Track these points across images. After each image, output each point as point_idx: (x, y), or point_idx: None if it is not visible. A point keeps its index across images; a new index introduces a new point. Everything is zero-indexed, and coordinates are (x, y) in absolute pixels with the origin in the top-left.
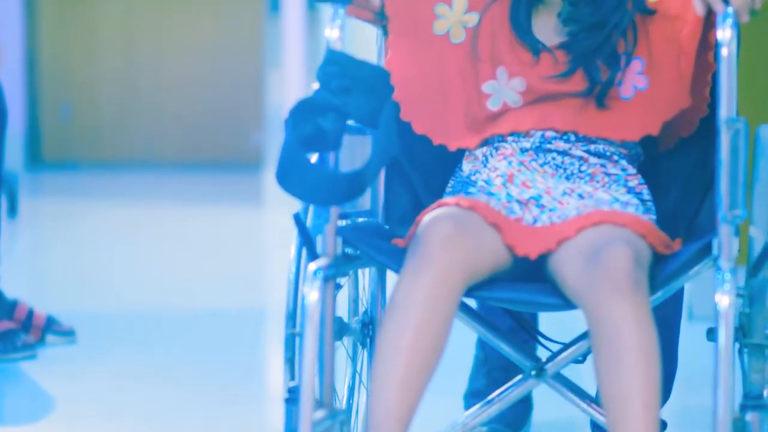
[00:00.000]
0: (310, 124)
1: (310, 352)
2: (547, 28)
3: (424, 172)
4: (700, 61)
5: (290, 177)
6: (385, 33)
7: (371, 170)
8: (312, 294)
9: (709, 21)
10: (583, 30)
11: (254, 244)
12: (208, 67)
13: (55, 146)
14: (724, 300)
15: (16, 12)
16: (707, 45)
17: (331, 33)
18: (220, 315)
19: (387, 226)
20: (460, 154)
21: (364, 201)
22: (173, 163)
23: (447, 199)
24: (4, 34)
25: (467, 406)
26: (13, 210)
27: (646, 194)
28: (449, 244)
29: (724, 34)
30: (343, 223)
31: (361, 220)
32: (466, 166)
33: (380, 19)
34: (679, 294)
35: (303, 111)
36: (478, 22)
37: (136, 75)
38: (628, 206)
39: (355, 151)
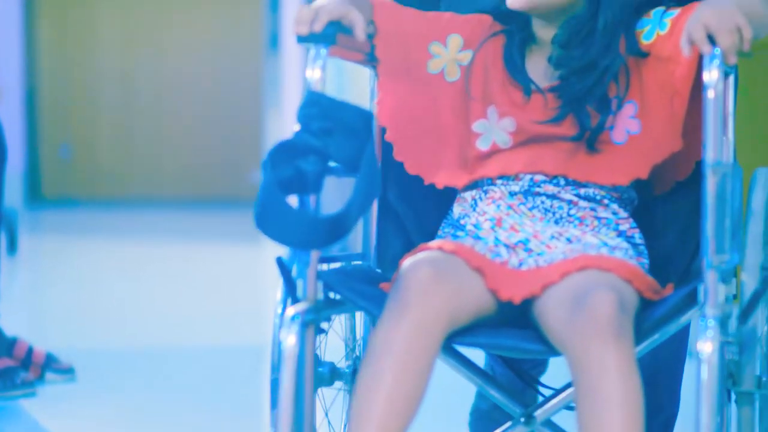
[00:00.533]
0: (290, 166)
1: (286, 399)
2: (539, 68)
3: (417, 214)
4: (696, 103)
5: (269, 220)
6: (377, 73)
7: (353, 214)
8: (289, 339)
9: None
10: (574, 73)
11: (253, 281)
12: (208, 105)
13: (55, 183)
14: (707, 347)
15: (15, 50)
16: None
17: (312, 74)
18: (220, 352)
19: (379, 270)
20: (453, 196)
21: (357, 244)
22: (172, 200)
23: (430, 243)
24: (4, 72)
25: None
26: (12, 247)
27: (638, 238)
28: (428, 290)
29: (711, 75)
30: (326, 267)
31: (355, 263)
32: (457, 209)
33: (369, 60)
34: (683, 335)
35: (282, 153)
36: (472, 60)
37: (136, 112)
38: (616, 250)
39: (344, 194)
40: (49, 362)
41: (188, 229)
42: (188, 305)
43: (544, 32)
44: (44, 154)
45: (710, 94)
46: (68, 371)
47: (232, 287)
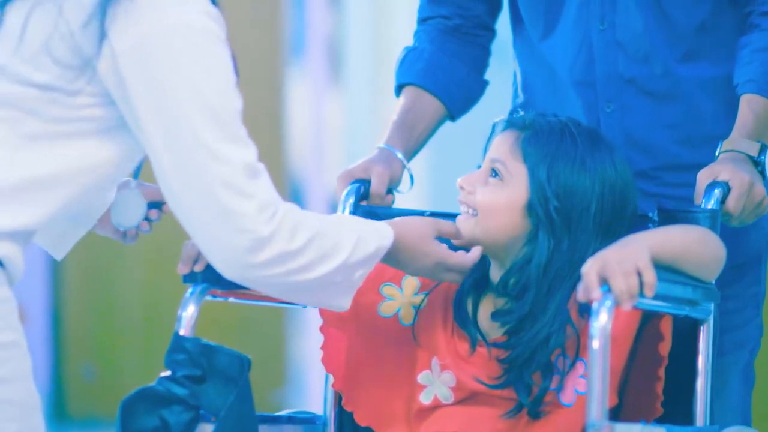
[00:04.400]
0: (155, 416)
1: None
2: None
3: None
4: (649, 355)
5: None
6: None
7: None
8: None
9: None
10: (514, 331)
11: None
12: (232, 334)
13: (80, 404)
14: None
15: (40, 274)
16: (659, 335)
17: (185, 313)
18: None
19: None
20: None
21: None
22: None
23: None
24: (30, 296)
25: None
26: None
27: None
28: None
29: (598, 322)
30: None
31: None
32: None
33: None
34: None
35: (145, 401)
36: (423, 304)
37: (159, 333)
38: None
39: None
40: None
41: None
42: None
43: (496, 276)
44: (69, 375)
45: (594, 344)
46: None
47: None
